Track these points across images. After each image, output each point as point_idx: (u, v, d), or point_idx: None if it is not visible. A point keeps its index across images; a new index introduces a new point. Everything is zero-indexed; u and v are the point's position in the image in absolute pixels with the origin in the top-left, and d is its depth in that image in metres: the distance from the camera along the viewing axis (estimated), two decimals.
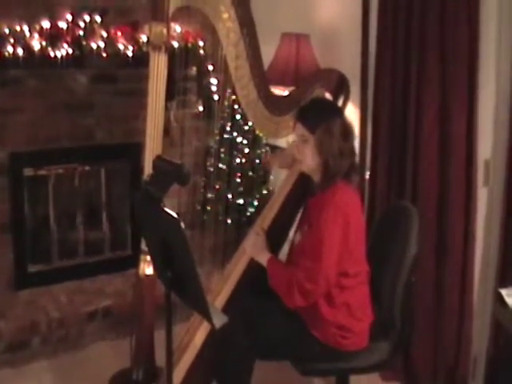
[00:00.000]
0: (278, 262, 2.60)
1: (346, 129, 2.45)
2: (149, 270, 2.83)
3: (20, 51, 3.33)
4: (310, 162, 2.47)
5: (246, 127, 3.93)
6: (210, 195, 4.05)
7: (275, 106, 2.90)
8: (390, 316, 2.60)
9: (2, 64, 3.32)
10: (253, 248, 2.64)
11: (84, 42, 3.52)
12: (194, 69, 3.99)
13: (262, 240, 2.63)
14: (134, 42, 3.67)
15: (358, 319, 2.49)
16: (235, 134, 3.96)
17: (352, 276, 2.46)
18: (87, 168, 3.93)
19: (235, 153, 3.98)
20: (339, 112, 2.56)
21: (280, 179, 3.10)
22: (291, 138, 2.57)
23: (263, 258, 2.57)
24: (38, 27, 3.40)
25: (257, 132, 3.72)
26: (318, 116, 2.44)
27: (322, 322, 2.48)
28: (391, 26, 3.06)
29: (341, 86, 3.04)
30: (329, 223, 2.36)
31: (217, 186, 3.99)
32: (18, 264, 3.75)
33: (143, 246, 2.82)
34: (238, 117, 3.91)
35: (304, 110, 2.51)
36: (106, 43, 3.58)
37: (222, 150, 3.98)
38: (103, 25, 3.60)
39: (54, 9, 3.47)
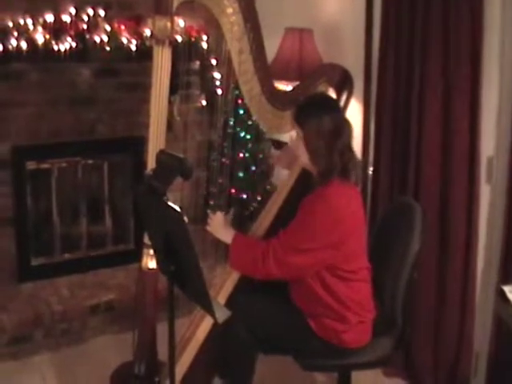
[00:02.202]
0: (247, 236, 2.69)
1: (339, 125, 2.43)
2: (151, 263, 2.83)
3: (23, 44, 3.33)
4: (302, 158, 2.49)
5: (250, 122, 3.92)
6: (212, 189, 4.05)
7: (279, 100, 2.90)
8: (392, 312, 2.61)
9: (6, 57, 3.31)
10: (214, 227, 2.65)
11: (87, 36, 3.51)
12: (198, 63, 3.99)
13: (221, 218, 2.65)
14: (138, 35, 3.66)
15: (356, 313, 2.48)
16: (238, 128, 3.96)
17: (348, 272, 2.46)
18: (90, 162, 3.93)
19: (238, 147, 3.98)
20: (332, 109, 2.51)
21: (283, 174, 3.10)
22: (294, 133, 2.57)
23: (228, 236, 2.58)
24: (41, 20, 3.39)
25: (260, 127, 3.72)
26: (308, 112, 2.45)
27: (318, 308, 2.48)
28: (395, 21, 3.06)
29: (344, 81, 3.03)
30: (316, 216, 2.38)
31: (220, 181, 3.99)
32: (20, 257, 3.76)
33: (146, 240, 2.82)
34: (241, 111, 3.91)
35: (298, 107, 2.52)
36: (109, 37, 3.57)
37: (225, 144, 3.98)
38: (107, 18, 3.59)
39: (57, 2, 3.46)
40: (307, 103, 2.55)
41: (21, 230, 3.74)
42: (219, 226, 2.64)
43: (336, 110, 2.54)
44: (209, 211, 2.73)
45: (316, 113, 2.43)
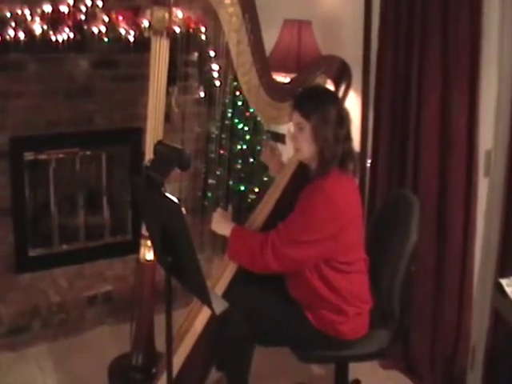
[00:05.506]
0: (246, 229, 2.66)
1: (341, 115, 2.46)
2: (149, 255, 2.84)
3: (21, 35, 3.32)
4: (306, 150, 2.49)
5: (248, 113, 3.92)
6: (210, 181, 4.05)
7: (277, 92, 2.89)
8: (390, 304, 2.61)
9: (3, 48, 3.31)
10: (215, 224, 2.65)
11: (85, 27, 3.50)
12: (196, 54, 3.98)
13: (221, 214, 2.66)
14: (136, 26, 3.65)
15: (353, 305, 2.49)
16: (236, 120, 3.96)
17: (345, 264, 2.47)
18: (88, 153, 3.93)
19: (236, 139, 3.98)
20: (334, 98, 2.56)
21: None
22: (291, 126, 2.57)
23: (227, 229, 2.58)
24: (39, 11, 3.38)
25: (258, 118, 3.71)
26: (314, 103, 2.45)
27: (315, 300, 2.48)
28: (393, 13, 3.05)
29: (342, 72, 3.02)
30: (316, 208, 2.38)
31: (218, 172, 3.99)
32: (18, 248, 3.76)
33: (144, 231, 2.82)
34: (239, 103, 3.90)
35: (299, 98, 2.51)
36: (107, 28, 3.56)
37: (223, 136, 3.98)
38: (105, 9, 3.58)
39: None
40: (310, 95, 2.55)
41: (19, 220, 3.74)
42: (221, 222, 2.64)
43: (336, 99, 2.59)
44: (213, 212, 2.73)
45: (321, 103, 2.44)
